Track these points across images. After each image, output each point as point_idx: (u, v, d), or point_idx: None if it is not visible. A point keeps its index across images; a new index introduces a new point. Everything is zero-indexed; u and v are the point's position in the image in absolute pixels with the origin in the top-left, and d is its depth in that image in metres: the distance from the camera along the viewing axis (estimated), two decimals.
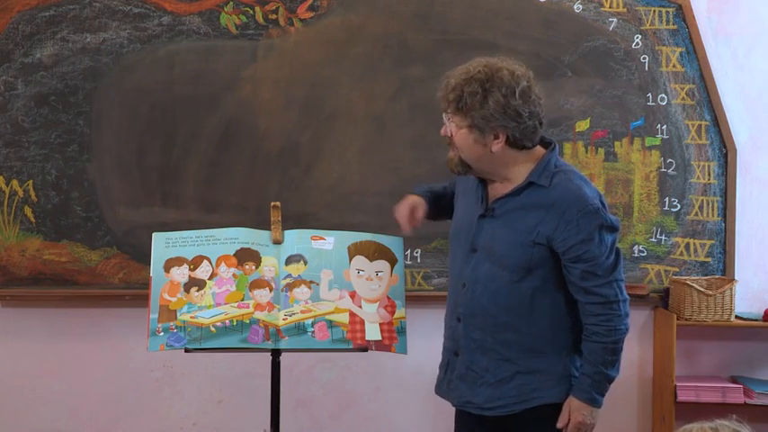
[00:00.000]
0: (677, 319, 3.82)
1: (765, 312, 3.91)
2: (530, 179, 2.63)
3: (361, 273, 3.03)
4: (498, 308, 2.65)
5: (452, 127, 2.65)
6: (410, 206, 2.94)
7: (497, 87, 2.57)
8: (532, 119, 2.60)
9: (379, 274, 3.03)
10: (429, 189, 3.00)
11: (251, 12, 3.92)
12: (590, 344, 2.63)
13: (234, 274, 3.00)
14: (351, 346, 2.96)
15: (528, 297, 2.64)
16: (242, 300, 2.97)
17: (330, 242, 3.08)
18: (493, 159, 2.63)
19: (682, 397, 3.80)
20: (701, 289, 3.80)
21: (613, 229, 2.62)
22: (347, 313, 2.98)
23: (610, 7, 3.97)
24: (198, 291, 2.97)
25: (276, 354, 2.97)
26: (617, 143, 3.98)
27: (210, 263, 3.01)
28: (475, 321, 2.69)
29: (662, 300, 3.97)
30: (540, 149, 2.68)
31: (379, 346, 2.97)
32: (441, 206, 2.98)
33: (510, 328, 2.66)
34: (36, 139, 3.90)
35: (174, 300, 2.95)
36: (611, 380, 2.65)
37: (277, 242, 3.05)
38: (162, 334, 2.90)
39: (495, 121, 2.57)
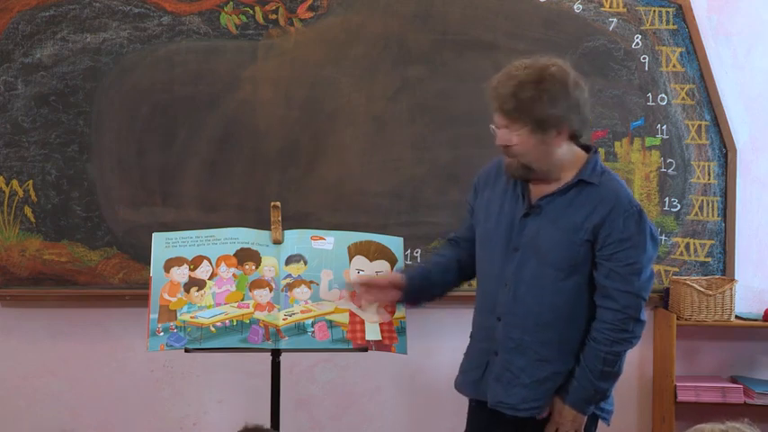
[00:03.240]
0: (677, 319, 3.82)
1: (765, 312, 3.91)
2: (580, 177, 2.64)
3: (361, 273, 3.03)
4: (542, 306, 2.64)
5: (512, 136, 2.61)
6: (389, 282, 2.90)
7: (552, 84, 2.57)
8: (587, 106, 2.63)
9: (379, 274, 3.03)
10: (419, 273, 2.93)
11: (251, 12, 3.92)
12: (587, 347, 2.62)
13: (234, 274, 3.00)
14: (351, 346, 2.96)
15: (573, 296, 2.63)
16: (242, 300, 2.97)
17: (330, 242, 3.08)
18: (555, 157, 2.63)
19: (682, 397, 3.80)
20: (701, 289, 3.80)
21: (654, 238, 2.63)
22: (347, 313, 2.98)
23: (610, 7, 3.97)
24: (198, 291, 2.97)
25: (276, 354, 2.98)
26: (617, 143, 3.98)
27: (210, 263, 3.01)
28: (515, 321, 2.67)
29: (662, 300, 3.97)
30: (581, 153, 2.69)
31: (379, 346, 2.97)
32: (426, 289, 2.94)
33: (551, 328, 2.65)
34: (36, 139, 3.90)
35: (174, 300, 2.95)
36: (599, 390, 2.63)
37: (277, 242, 3.05)
38: (162, 334, 2.90)
39: (557, 118, 2.58)
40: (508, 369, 2.69)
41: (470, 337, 2.86)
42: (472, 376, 2.81)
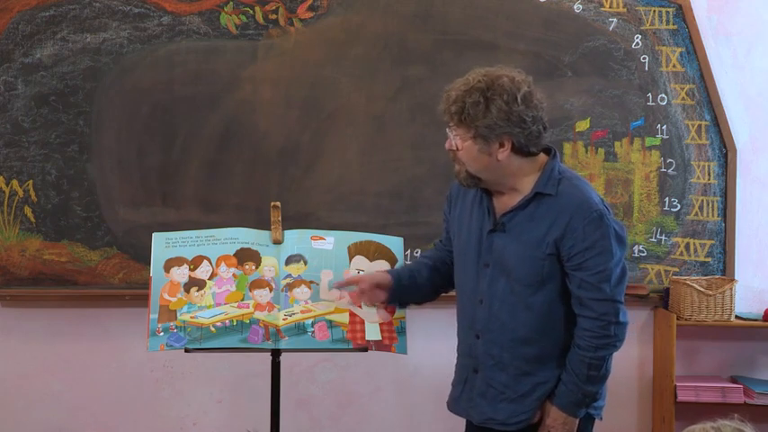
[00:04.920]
0: (677, 319, 3.82)
1: (765, 312, 3.91)
2: (536, 189, 2.61)
3: (361, 273, 3.03)
4: (516, 322, 2.63)
5: (457, 140, 2.62)
6: (373, 281, 2.88)
7: (499, 95, 2.55)
8: (536, 123, 2.58)
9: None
10: (406, 273, 2.92)
11: (251, 12, 3.92)
12: (572, 353, 2.61)
13: (234, 274, 3.00)
14: (351, 346, 2.96)
15: (544, 310, 2.62)
16: (242, 300, 2.96)
17: (330, 242, 3.07)
18: (500, 169, 2.61)
19: (682, 397, 3.80)
20: (701, 289, 3.80)
21: (620, 238, 2.60)
22: (347, 313, 2.98)
23: (610, 7, 3.97)
24: (198, 291, 2.97)
25: (276, 354, 2.97)
26: (617, 143, 3.98)
27: (210, 263, 3.01)
28: (493, 337, 2.67)
29: (662, 300, 3.97)
30: (542, 157, 2.66)
31: (379, 346, 2.97)
32: (412, 290, 2.93)
33: (528, 343, 2.64)
34: (36, 139, 3.90)
35: (174, 300, 2.95)
36: (588, 394, 2.62)
37: (277, 242, 3.05)
38: (162, 334, 2.90)
39: (499, 129, 2.55)
40: (491, 385, 2.69)
41: (456, 351, 2.86)
42: (454, 393, 2.83)
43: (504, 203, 2.67)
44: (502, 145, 2.58)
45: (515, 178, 2.63)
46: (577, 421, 2.65)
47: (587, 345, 2.58)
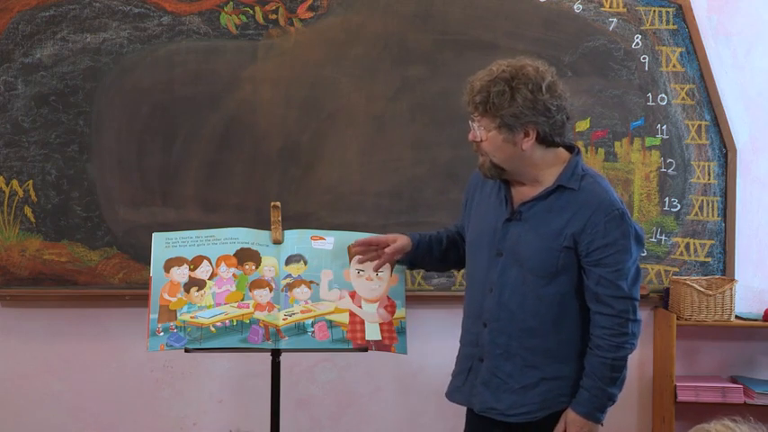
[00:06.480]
0: (677, 319, 3.82)
1: (765, 312, 3.91)
2: (559, 182, 2.62)
3: (361, 273, 3.03)
4: (526, 312, 2.63)
5: (481, 131, 2.62)
6: (389, 239, 2.93)
7: (524, 84, 2.56)
8: (560, 113, 2.60)
9: (379, 274, 3.03)
10: (425, 245, 2.96)
11: (251, 12, 3.92)
12: (592, 357, 2.60)
13: (234, 274, 3.00)
14: (351, 346, 2.96)
15: (556, 302, 2.62)
16: (242, 300, 2.97)
17: (330, 242, 3.08)
18: (524, 159, 2.62)
19: (682, 397, 3.80)
20: (701, 289, 3.80)
21: (639, 239, 2.61)
22: (347, 313, 2.98)
23: (610, 7, 3.97)
24: (198, 291, 2.97)
25: (276, 354, 2.98)
26: (617, 143, 3.98)
27: (210, 263, 3.01)
28: (500, 326, 2.66)
29: (662, 300, 3.97)
30: (564, 153, 2.67)
31: (379, 346, 2.97)
32: (424, 261, 2.99)
33: (536, 334, 2.63)
34: (36, 139, 3.90)
35: (174, 300, 2.95)
36: (611, 397, 2.62)
37: (277, 242, 3.06)
38: (162, 334, 2.90)
39: (524, 118, 2.56)
40: (496, 375, 2.68)
41: (459, 341, 2.86)
42: (456, 383, 2.82)
43: (523, 194, 2.67)
44: (527, 134, 2.59)
45: (538, 169, 2.64)
46: (599, 427, 2.65)
47: (608, 344, 2.57)
